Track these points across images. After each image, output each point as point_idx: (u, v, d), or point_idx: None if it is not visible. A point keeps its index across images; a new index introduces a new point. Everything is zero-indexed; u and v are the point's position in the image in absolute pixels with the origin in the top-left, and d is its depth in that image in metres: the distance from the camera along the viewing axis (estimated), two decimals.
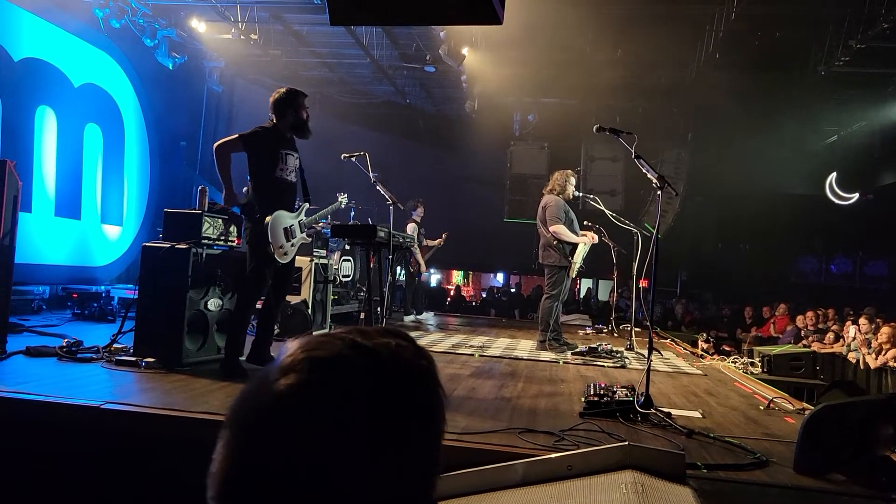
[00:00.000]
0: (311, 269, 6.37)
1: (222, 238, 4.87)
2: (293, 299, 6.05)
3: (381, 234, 5.57)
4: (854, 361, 8.12)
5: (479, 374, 5.05)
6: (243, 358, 4.42)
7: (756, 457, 2.97)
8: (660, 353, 6.68)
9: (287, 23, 10.24)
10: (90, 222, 8.64)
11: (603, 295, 15.19)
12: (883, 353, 7.63)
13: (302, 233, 4.58)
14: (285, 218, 4.40)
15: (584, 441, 3.07)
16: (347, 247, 7.82)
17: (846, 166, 13.12)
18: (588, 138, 12.43)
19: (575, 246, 6.36)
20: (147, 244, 4.63)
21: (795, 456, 2.84)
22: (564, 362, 5.84)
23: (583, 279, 15.66)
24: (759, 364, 6.76)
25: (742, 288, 13.39)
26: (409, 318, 9.52)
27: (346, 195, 5.66)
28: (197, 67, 10.77)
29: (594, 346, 6.25)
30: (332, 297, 6.99)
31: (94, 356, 4.48)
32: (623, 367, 5.76)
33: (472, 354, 6.07)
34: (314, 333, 0.73)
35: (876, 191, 12.92)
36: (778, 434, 3.52)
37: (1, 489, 3.13)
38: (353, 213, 8.81)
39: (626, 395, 3.71)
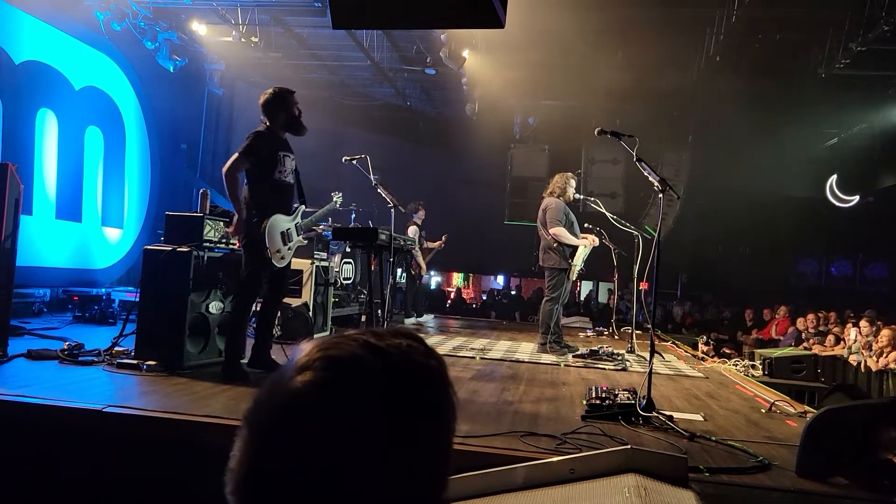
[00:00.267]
0: (311, 272, 6.37)
1: (223, 241, 4.87)
2: (294, 302, 6.05)
3: (383, 236, 5.58)
4: (855, 364, 8.11)
5: (480, 376, 5.04)
6: (245, 361, 4.42)
7: (758, 460, 2.97)
8: (661, 356, 6.68)
9: (288, 25, 10.25)
10: (91, 225, 8.65)
11: (603, 297, 15.19)
12: (884, 355, 7.62)
13: (298, 236, 4.58)
14: (282, 222, 4.39)
15: (587, 444, 3.07)
16: (348, 249, 7.82)
17: (846, 169, 13.12)
18: (588, 141, 12.45)
19: (575, 248, 6.37)
20: (148, 247, 4.63)
21: (798, 459, 2.84)
22: (566, 365, 5.84)
23: (583, 281, 15.66)
24: (760, 367, 6.76)
25: (742, 290, 13.38)
26: (409, 321, 9.52)
27: (340, 195, 5.64)
28: (198, 70, 10.78)
29: (595, 348, 6.25)
30: (332, 299, 6.99)
31: (96, 359, 4.49)
32: (624, 369, 5.75)
33: (474, 357, 6.07)
34: (322, 336, 0.74)
35: (876, 193, 12.92)
36: (779, 437, 3.51)
37: (3, 492, 3.13)
38: (353, 216, 8.81)
39: (628, 398, 3.71)
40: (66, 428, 3.18)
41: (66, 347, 4.60)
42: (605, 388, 3.88)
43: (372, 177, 5.63)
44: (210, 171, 11.79)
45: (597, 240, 6.65)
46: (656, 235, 3.93)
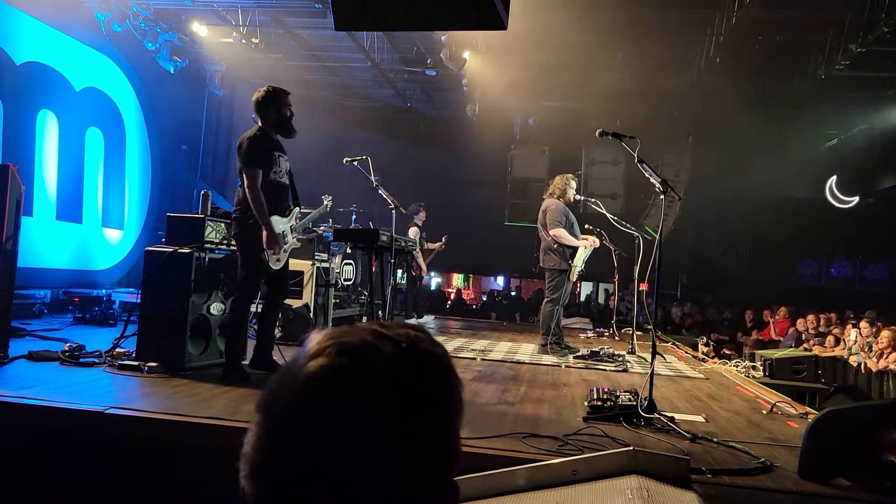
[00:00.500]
0: (312, 273, 6.37)
1: (225, 242, 4.86)
2: (295, 303, 6.04)
3: (384, 237, 5.58)
4: (855, 365, 8.12)
5: (481, 378, 5.04)
6: (246, 362, 4.42)
7: (760, 461, 2.97)
8: (663, 357, 6.68)
9: (288, 27, 10.25)
10: (91, 226, 8.65)
11: (601, 298, 15.19)
12: (884, 356, 7.63)
13: (293, 237, 4.57)
14: (278, 223, 4.35)
15: (589, 446, 3.07)
16: (349, 250, 7.82)
17: (846, 169, 13.13)
18: (589, 142, 12.44)
19: (575, 249, 6.37)
20: (150, 248, 4.63)
21: (800, 460, 2.84)
22: (566, 366, 5.84)
23: (583, 282, 15.66)
24: (761, 368, 6.76)
25: (742, 291, 13.38)
26: (410, 322, 9.50)
27: (331, 198, 5.64)
28: (198, 71, 10.78)
29: (596, 349, 6.24)
30: (333, 300, 6.98)
31: (97, 361, 4.49)
32: (625, 370, 5.76)
33: (474, 358, 6.07)
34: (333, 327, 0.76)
35: (876, 194, 12.92)
36: (781, 438, 3.51)
37: (5, 493, 3.13)
38: (354, 217, 8.81)
39: (630, 400, 3.70)
40: (68, 429, 3.18)
41: (67, 349, 4.60)
42: (606, 390, 3.88)
43: (373, 178, 5.63)
44: (210, 172, 11.80)
45: (597, 241, 6.65)
46: (659, 238, 3.92)
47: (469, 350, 6.64)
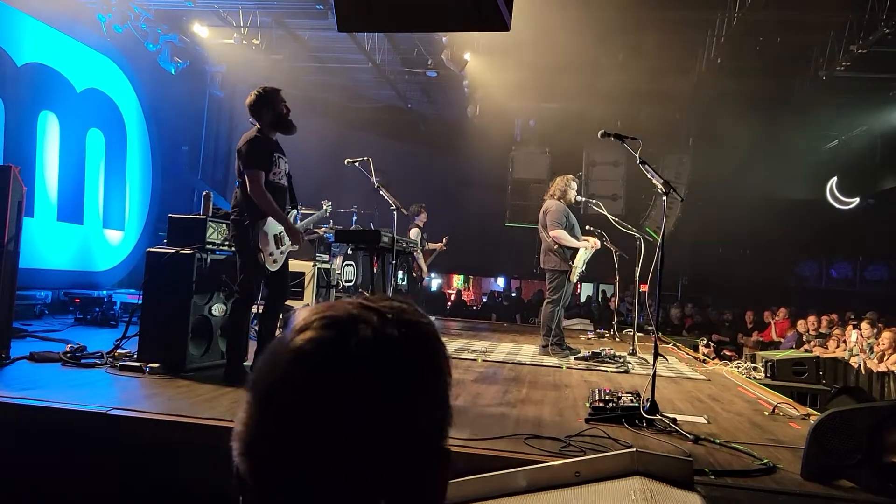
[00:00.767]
0: (313, 274, 6.38)
1: (226, 243, 4.86)
2: (296, 304, 6.04)
3: (385, 238, 5.57)
4: (856, 366, 8.11)
5: (482, 379, 5.04)
6: (247, 363, 4.41)
7: (763, 463, 2.97)
8: (665, 358, 6.68)
9: (289, 28, 10.26)
10: (92, 227, 8.65)
11: (603, 299, 15.18)
12: (885, 357, 7.62)
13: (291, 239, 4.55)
14: (275, 225, 4.36)
15: (591, 447, 3.07)
16: (350, 251, 7.82)
17: (847, 171, 13.14)
18: (589, 143, 12.45)
19: (576, 251, 6.36)
20: (151, 249, 4.62)
21: (803, 462, 2.84)
22: (567, 367, 5.83)
23: (584, 283, 15.65)
24: (763, 369, 6.75)
25: (743, 292, 13.38)
26: None
27: (330, 203, 5.65)
28: (199, 72, 10.79)
29: (597, 350, 6.24)
30: None
31: (98, 362, 4.48)
32: (626, 371, 5.75)
33: (475, 359, 6.06)
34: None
35: (877, 195, 12.94)
36: (783, 440, 3.51)
37: (8, 495, 3.13)
38: (355, 218, 8.81)
39: (632, 401, 3.70)
40: (70, 430, 3.18)
41: (68, 350, 4.59)
42: (607, 391, 3.87)
43: (374, 179, 5.63)
44: (211, 173, 11.80)
45: (598, 242, 6.64)
46: (661, 239, 3.91)
47: (470, 351, 6.64)
